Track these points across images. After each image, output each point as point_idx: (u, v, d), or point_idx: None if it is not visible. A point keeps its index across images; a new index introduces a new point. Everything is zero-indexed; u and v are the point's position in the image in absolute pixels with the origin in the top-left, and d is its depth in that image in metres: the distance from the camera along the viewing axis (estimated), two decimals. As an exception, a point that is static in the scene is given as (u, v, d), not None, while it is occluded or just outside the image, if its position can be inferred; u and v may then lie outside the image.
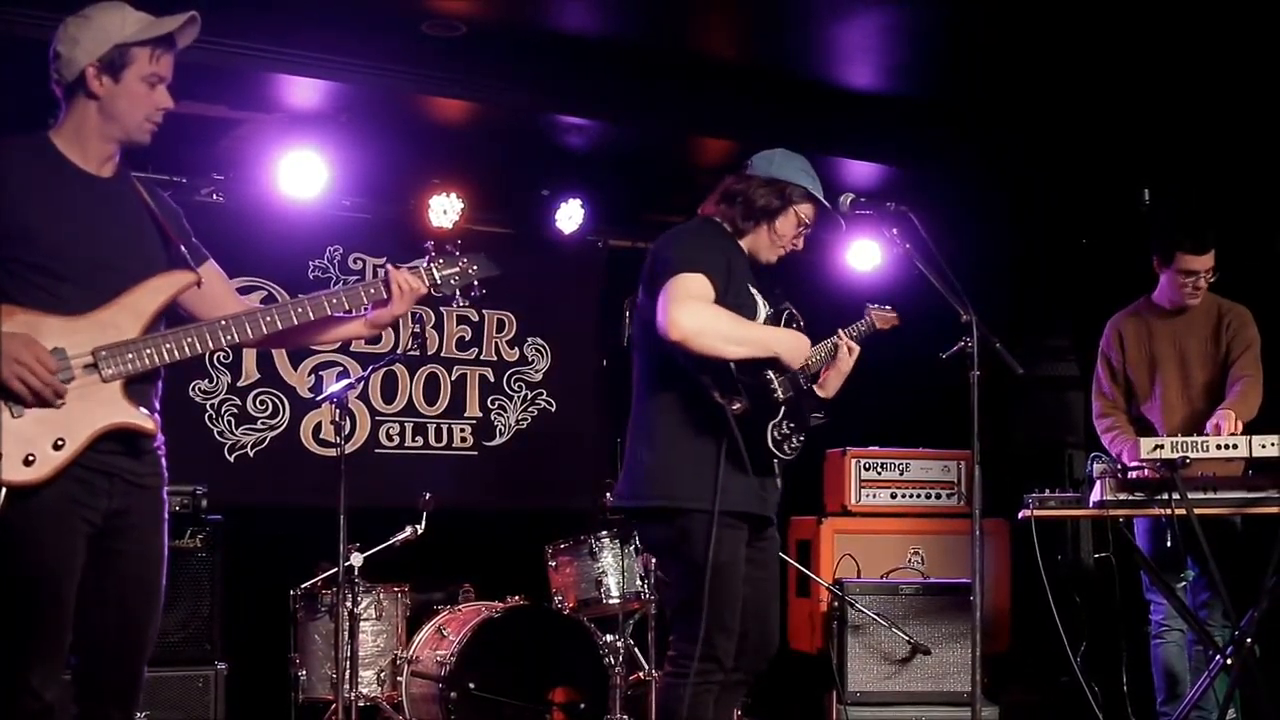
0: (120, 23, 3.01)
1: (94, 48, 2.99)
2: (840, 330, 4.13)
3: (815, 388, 3.98)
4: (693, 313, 3.54)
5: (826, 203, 3.89)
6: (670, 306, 3.55)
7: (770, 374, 3.70)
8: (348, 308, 3.16)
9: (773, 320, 3.84)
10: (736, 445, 3.59)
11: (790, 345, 3.75)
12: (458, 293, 3.31)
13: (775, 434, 3.68)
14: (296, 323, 3.10)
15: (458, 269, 3.30)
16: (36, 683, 2.88)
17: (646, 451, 3.70)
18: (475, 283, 3.32)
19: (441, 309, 6.72)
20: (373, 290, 3.18)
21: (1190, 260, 5.06)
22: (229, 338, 3.03)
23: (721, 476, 3.58)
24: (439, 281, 3.28)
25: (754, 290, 3.82)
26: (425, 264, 3.28)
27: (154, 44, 3.03)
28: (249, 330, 3.05)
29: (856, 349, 4.08)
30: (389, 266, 3.25)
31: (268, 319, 3.06)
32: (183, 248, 3.11)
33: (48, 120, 3.07)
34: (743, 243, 3.86)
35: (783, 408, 3.71)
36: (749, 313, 3.74)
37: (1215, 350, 5.14)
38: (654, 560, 5.25)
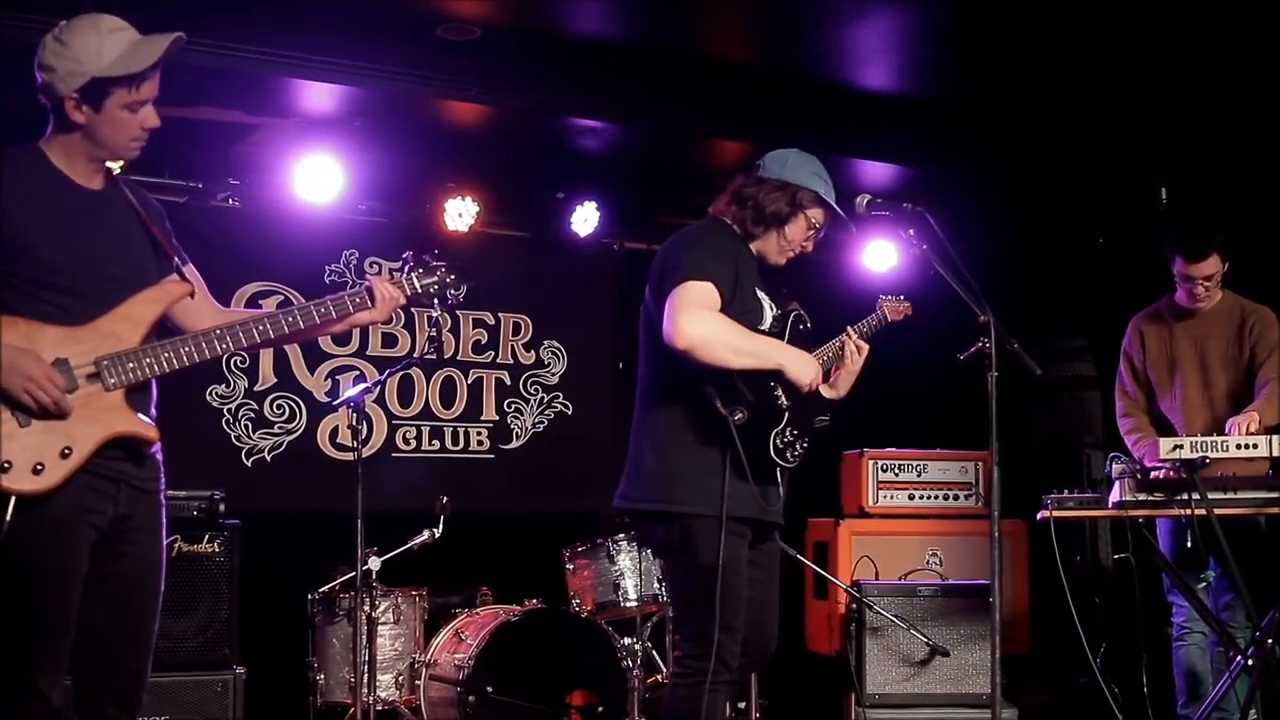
0: (97, 51, 2.91)
1: (72, 80, 2.91)
2: (849, 328, 4.08)
3: (824, 388, 3.91)
4: (700, 321, 3.55)
5: (837, 208, 3.86)
6: (678, 314, 3.55)
7: (774, 383, 3.70)
8: (334, 316, 3.25)
9: (779, 322, 3.81)
10: (738, 455, 3.60)
11: (798, 367, 3.70)
12: (435, 301, 3.41)
13: (778, 442, 3.69)
14: (288, 331, 3.17)
15: (435, 279, 3.39)
16: (44, 686, 2.90)
17: (651, 455, 3.72)
18: (450, 291, 3.41)
19: (457, 312, 6.72)
20: (358, 300, 3.26)
21: (1188, 267, 5.05)
22: (224, 346, 3.08)
23: (727, 483, 3.59)
24: (419, 291, 3.37)
25: (760, 293, 3.81)
26: (405, 274, 3.37)
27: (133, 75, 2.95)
28: (243, 339, 3.11)
29: (865, 348, 4.02)
30: (371, 277, 3.33)
31: (260, 328, 3.13)
32: (175, 258, 3.12)
33: (43, 127, 3.03)
34: (752, 245, 3.84)
35: (786, 414, 3.70)
36: (755, 317, 3.74)
37: (1238, 353, 5.12)
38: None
